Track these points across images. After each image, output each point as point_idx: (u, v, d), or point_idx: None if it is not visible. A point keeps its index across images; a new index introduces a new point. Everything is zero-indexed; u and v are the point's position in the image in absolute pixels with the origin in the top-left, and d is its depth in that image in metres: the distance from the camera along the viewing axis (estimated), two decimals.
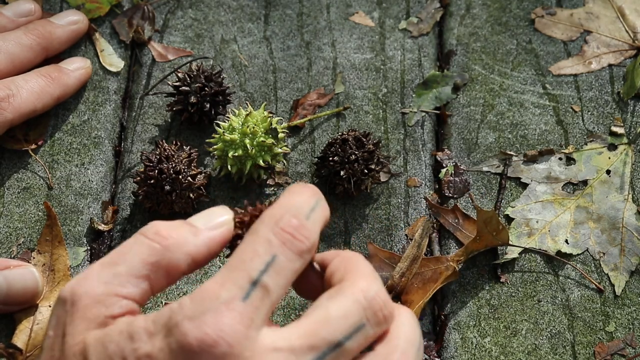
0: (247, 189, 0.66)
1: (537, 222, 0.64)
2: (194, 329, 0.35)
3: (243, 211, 0.43)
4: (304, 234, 0.39)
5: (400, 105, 0.70)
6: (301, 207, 0.40)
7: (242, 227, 0.43)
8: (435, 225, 0.64)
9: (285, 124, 0.66)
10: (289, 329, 0.37)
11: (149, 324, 0.37)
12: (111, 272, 0.39)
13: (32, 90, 0.63)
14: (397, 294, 0.61)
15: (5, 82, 0.63)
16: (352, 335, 0.37)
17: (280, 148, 0.63)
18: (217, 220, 0.42)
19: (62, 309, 0.39)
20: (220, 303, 0.36)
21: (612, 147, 0.68)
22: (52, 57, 0.69)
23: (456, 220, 0.63)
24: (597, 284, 0.61)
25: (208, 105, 0.65)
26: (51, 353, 0.38)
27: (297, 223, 0.39)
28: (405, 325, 0.40)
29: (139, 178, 0.61)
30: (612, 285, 0.62)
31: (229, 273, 0.37)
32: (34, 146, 0.66)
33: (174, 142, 0.63)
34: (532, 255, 0.63)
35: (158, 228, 0.41)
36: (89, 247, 0.63)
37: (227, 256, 0.41)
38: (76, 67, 0.68)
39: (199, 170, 0.62)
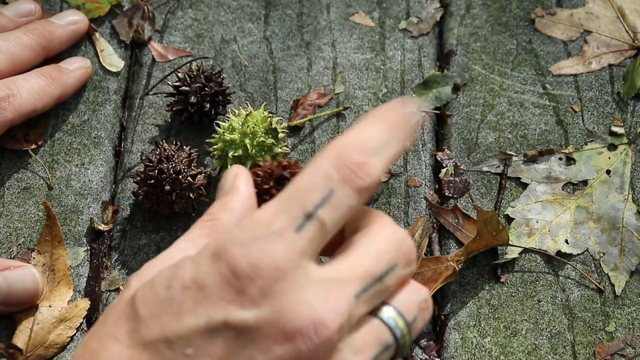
0: None
1: (537, 222, 0.64)
2: (246, 253, 0.35)
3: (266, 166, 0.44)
4: (366, 171, 0.37)
5: None
6: (370, 141, 0.38)
7: (270, 180, 0.44)
8: (435, 225, 0.64)
9: (285, 124, 0.66)
10: (335, 263, 0.37)
11: (196, 256, 0.37)
12: (172, 246, 0.41)
13: (32, 90, 0.63)
14: None
15: (6, 82, 0.63)
16: (389, 272, 0.38)
17: (280, 148, 0.63)
18: (231, 175, 0.43)
19: (127, 286, 0.40)
20: (271, 231, 0.35)
21: (612, 147, 0.68)
22: (52, 57, 0.69)
23: (456, 220, 0.63)
24: (597, 284, 0.61)
25: (208, 105, 0.65)
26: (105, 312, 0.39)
27: (361, 160, 0.37)
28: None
29: (139, 178, 0.61)
30: (612, 285, 0.62)
31: (284, 204, 0.36)
32: (34, 146, 0.66)
33: (174, 142, 0.63)
34: (532, 255, 0.63)
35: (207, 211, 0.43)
36: (89, 247, 0.63)
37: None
38: (76, 67, 0.68)
39: (199, 170, 0.62)
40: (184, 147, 0.63)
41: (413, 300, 0.39)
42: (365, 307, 0.37)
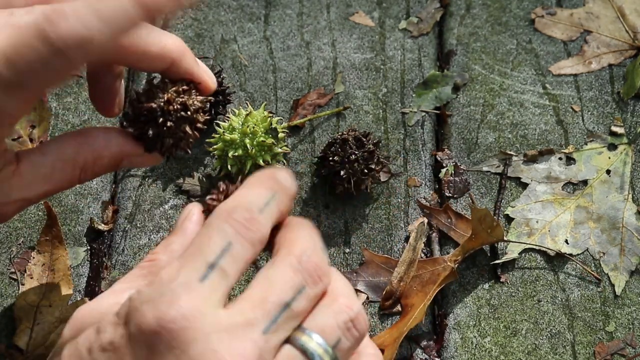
0: None
1: (537, 222, 0.64)
2: (152, 309, 0.36)
3: (216, 194, 0.45)
4: (255, 225, 0.40)
5: (400, 105, 0.70)
6: (253, 202, 0.41)
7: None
8: (435, 226, 0.64)
9: (285, 124, 0.66)
10: (240, 302, 0.38)
11: (114, 316, 0.38)
12: (109, 289, 0.42)
13: None
14: (397, 298, 0.61)
15: None
16: (296, 296, 0.39)
17: (280, 148, 0.63)
18: (183, 215, 0.45)
19: (66, 324, 0.41)
20: (177, 285, 0.37)
21: (612, 147, 0.68)
22: None
23: (449, 220, 0.63)
24: (595, 274, 0.61)
25: (208, 105, 0.65)
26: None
27: (249, 216, 0.40)
28: (339, 281, 0.42)
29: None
30: (612, 285, 0.62)
31: (186, 260, 0.38)
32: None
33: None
34: (532, 255, 0.63)
35: (149, 252, 0.45)
36: (89, 247, 0.63)
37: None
38: None
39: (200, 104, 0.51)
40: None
41: (335, 321, 0.40)
42: (278, 336, 0.38)
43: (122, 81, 0.53)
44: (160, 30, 0.50)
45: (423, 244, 0.63)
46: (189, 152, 0.52)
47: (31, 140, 0.67)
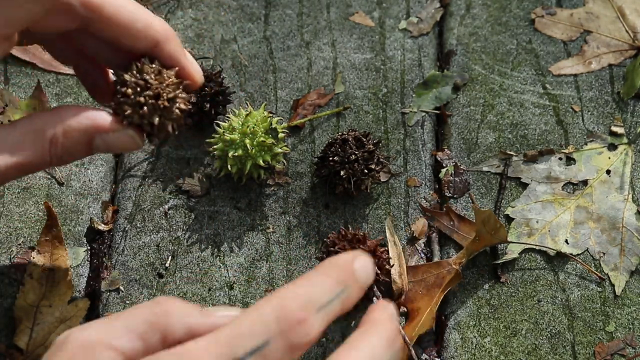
0: (247, 189, 0.66)
1: (537, 222, 0.64)
2: None
3: None
4: (305, 330, 0.37)
5: (400, 105, 0.70)
6: (315, 298, 0.38)
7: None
8: (433, 226, 0.64)
9: (285, 124, 0.66)
10: None
11: None
12: (109, 324, 0.38)
13: None
14: (402, 293, 0.61)
15: None
16: None
17: (280, 148, 0.63)
18: (229, 311, 0.41)
19: (52, 351, 0.38)
20: None
21: (612, 147, 0.68)
22: None
23: (451, 223, 0.63)
24: (598, 274, 0.61)
25: (208, 105, 0.65)
26: None
27: (302, 317, 0.37)
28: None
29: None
30: (612, 285, 0.62)
31: (217, 342, 0.36)
32: None
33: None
34: (532, 255, 0.63)
35: (167, 299, 0.40)
36: (89, 247, 0.63)
37: None
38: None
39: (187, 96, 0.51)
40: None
41: None
42: None
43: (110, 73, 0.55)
44: (147, 10, 0.50)
45: (423, 244, 0.63)
46: (175, 131, 0.51)
47: None
